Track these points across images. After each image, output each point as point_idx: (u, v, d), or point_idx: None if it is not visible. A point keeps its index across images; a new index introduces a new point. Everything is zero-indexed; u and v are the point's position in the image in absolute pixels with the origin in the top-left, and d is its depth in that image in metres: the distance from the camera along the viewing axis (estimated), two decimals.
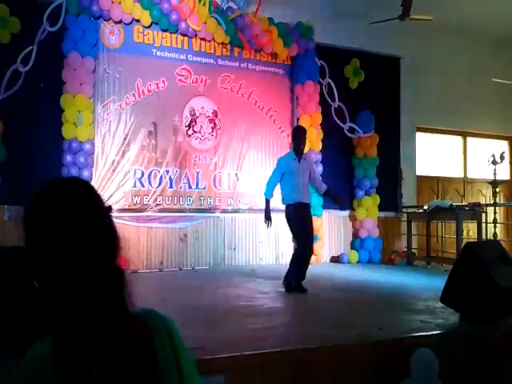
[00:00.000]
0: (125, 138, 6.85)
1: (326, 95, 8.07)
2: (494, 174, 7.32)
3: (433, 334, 3.29)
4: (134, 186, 6.88)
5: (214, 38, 7.21)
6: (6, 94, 6.09)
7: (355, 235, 8.28)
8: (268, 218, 5.22)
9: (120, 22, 6.78)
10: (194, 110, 7.34)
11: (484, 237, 7.30)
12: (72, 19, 6.34)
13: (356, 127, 8.23)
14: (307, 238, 5.09)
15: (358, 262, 7.97)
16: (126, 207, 6.79)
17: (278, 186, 5.32)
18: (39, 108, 6.31)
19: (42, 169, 6.25)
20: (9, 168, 6.12)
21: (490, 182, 7.44)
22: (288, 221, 5.17)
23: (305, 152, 5.54)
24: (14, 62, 6.12)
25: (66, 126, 6.23)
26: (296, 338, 3.15)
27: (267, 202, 5.32)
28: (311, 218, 5.29)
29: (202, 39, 7.27)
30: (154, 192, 6.97)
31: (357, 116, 8.29)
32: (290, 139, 7.98)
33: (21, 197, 6.09)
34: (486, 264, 3.53)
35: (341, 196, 6.03)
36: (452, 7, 8.45)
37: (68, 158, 6.24)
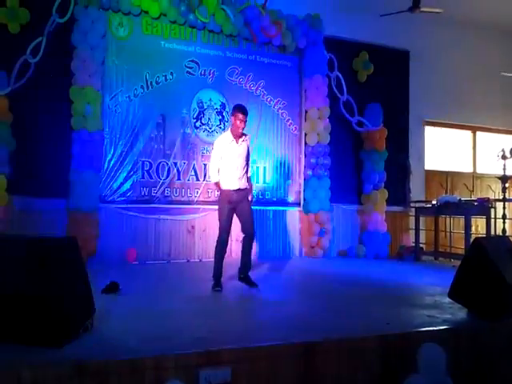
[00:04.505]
0: (133, 130, 6.87)
1: (334, 88, 8.03)
2: (504, 168, 7.25)
3: (440, 329, 3.28)
4: (142, 177, 6.90)
5: (222, 30, 7.18)
6: (16, 84, 6.12)
7: (363, 229, 8.25)
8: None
9: (129, 13, 6.77)
10: (201, 102, 7.33)
11: (493, 232, 7.24)
12: (81, 10, 6.34)
13: (364, 121, 8.19)
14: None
15: (366, 256, 7.95)
16: (134, 199, 6.82)
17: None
18: (48, 99, 6.33)
19: (50, 160, 6.32)
20: (18, 159, 6.15)
21: (499, 177, 7.37)
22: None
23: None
24: (23, 52, 6.15)
25: (75, 117, 6.25)
26: (303, 331, 3.15)
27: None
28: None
29: (210, 31, 7.25)
30: (162, 184, 6.99)
31: (365, 109, 8.25)
32: (298, 132, 7.98)
33: (30, 187, 6.23)
34: (494, 259, 3.51)
35: None
36: (462, 0, 8.34)
37: (76, 149, 6.26)
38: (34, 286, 2.58)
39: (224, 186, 4.74)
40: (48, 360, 2.41)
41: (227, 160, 4.71)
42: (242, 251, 4.88)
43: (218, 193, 5.03)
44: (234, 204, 4.73)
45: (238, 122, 4.64)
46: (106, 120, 6.68)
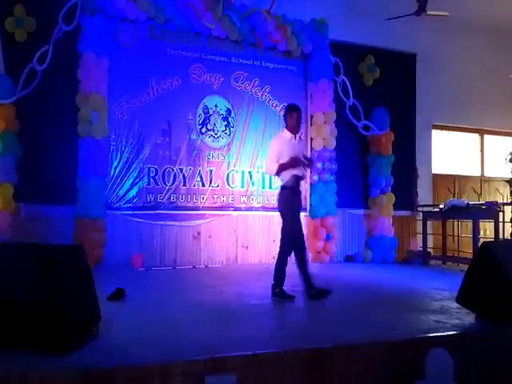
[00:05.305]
0: (139, 136, 6.89)
1: (340, 92, 8.01)
2: None
3: (448, 335, 3.24)
4: (148, 183, 6.92)
5: (227, 36, 7.20)
6: (23, 92, 6.17)
7: (370, 234, 8.21)
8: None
9: (135, 20, 6.81)
10: (207, 108, 7.35)
11: (501, 236, 7.18)
12: (87, 18, 6.39)
13: (371, 125, 8.16)
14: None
15: (373, 261, 7.91)
16: (140, 205, 6.83)
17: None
18: (55, 106, 6.38)
19: (57, 167, 6.36)
20: (25, 166, 6.21)
21: (507, 181, 7.32)
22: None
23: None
24: (30, 60, 6.21)
25: (81, 124, 6.28)
26: (309, 337, 3.13)
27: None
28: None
29: (215, 37, 7.27)
30: (168, 190, 7.00)
31: (371, 113, 8.22)
32: (303, 136, 7.97)
33: (37, 194, 6.27)
34: (503, 264, 3.47)
35: None
36: (469, 4, 8.33)
37: (83, 156, 6.29)
38: (41, 293, 2.59)
39: (289, 183, 4.64)
40: (55, 367, 2.42)
41: (293, 155, 4.65)
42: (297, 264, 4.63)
43: (282, 188, 4.72)
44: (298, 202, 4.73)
45: (294, 120, 4.76)
46: (112, 127, 6.71)
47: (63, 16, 6.38)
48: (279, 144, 4.75)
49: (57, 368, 2.40)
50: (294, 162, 4.57)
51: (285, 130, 4.86)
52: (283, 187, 4.70)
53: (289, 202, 4.65)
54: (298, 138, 4.97)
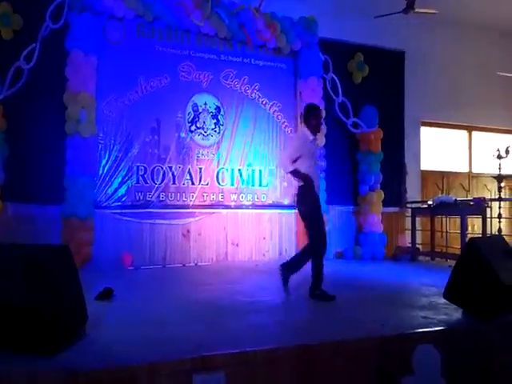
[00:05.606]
0: (128, 135, 6.85)
1: (329, 90, 8.03)
2: (499, 168, 7.27)
3: (435, 330, 3.27)
4: (137, 182, 6.89)
5: (216, 34, 7.18)
6: (9, 91, 6.11)
7: (359, 230, 8.25)
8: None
9: (123, 18, 6.76)
10: (196, 106, 7.33)
11: (489, 232, 7.25)
12: (75, 16, 6.33)
13: (360, 122, 8.20)
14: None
15: (362, 257, 7.95)
16: (129, 204, 6.80)
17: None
18: (42, 105, 6.32)
19: (45, 166, 6.31)
20: (12, 165, 6.15)
21: (494, 177, 7.38)
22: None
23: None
24: (16, 59, 6.14)
25: (69, 122, 6.23)
26: (297, 334, 3.14)
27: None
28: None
29: (204, 35, 7.25)
30: (157, 188, 6.98)
31: (361, 111, 8.26)
32: (293, 134, 7.97)
33: (24, 193, 6.21)
34: (489, 260, 3.50)
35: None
36: (457, 1, 8.37)
37: (71, 154, 6.24)
38: (27, 294, 2.57)
39: (308, 179, 4.50)
40: (41, 367, 2.40)
41: (311, 156, 4.59)
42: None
43: (302, 187, 4.56)
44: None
45: (318, 120, 4.67)
46: (101, 125, 6.65)
47: (50, 14, 6.32)
48: (300, 142, 4.63)
49: (44, 368, 2.39)
50: (308, 181, 4.44)
51: (305, 128, 4.70)
52: (301, 187, 4.54)
53: (313, 199, 4.50)
54: (316, 140, 4.91)
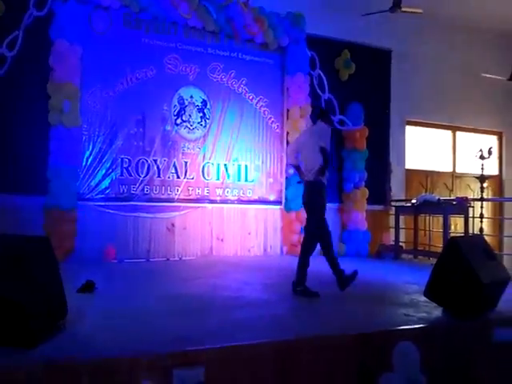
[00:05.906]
0: (112, 126, 6.77)
1: (316, 87, 8.04)
2: (482, 168, 7.36)
3: (415, 328, 3.30)
4: (122, 174, 6.82)
5: (204, 27, 7.12)
6: None
7: (344, 228, 8.28)
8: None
9: (109, 7, 6.67)
10: (182, 99, 7.27)
11: (471, 231, 7.34)
12: (59, 4, 6.23)
13: (346, 119, 8.23)
14: None
15: (346, 254, 7.98)
16: (113, 196, 6.73)
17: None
18: (25, 94, 6.20)
19: (27, 156, 6.20)
20: None
21: (477, 177, 7.47)
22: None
23: None
24: None
25: (52, 112, 6.13)
26: (279, 330, 3.14)
27: None
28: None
29: (191, 27, 7.18)
30: (142, 181, 6.92)
31: (347, 108, 8.29)
32: (279, 130, 7.97)
33: (6, 184, 6.10)
34: (469, 259, 3.54)
35: None
36: (443, 1, 8.43)
37: (54, 145, 6.15)
38: (5, 286, 2.52)
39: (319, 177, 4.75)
40: (20, 360, 2.36)
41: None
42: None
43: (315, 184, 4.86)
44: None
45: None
46: (85, 116, 6.56)
47: (34, 1, 6.20)
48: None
49: (22, 361, 2.35)
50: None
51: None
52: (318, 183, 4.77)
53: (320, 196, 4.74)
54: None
